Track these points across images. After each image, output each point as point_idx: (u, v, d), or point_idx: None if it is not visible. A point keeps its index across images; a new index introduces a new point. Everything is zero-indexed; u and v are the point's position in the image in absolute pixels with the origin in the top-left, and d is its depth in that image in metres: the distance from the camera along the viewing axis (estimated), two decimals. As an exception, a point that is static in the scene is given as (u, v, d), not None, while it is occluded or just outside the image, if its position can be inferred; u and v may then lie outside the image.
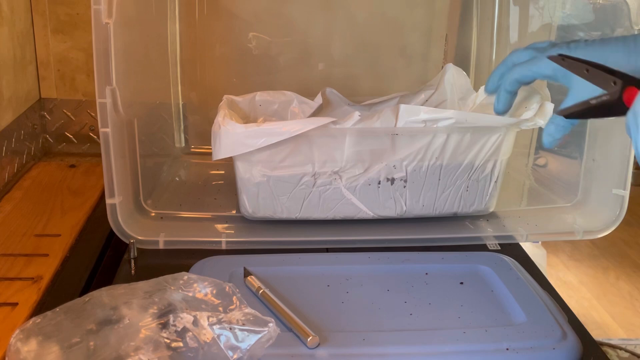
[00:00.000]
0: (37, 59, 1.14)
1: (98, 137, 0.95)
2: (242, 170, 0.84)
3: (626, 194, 0.91)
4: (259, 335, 0.58)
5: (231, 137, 0.80)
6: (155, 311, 0.59)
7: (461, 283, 0.77)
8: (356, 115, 0.81)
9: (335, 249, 0.86)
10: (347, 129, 0.81)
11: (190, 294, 0.62)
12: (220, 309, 0.60)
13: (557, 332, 0.67)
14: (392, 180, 0.86)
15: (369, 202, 0.87)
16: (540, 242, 2.07)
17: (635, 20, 0.86)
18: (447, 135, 0.84)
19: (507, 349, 0.65)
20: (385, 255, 0.83)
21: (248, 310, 0.60)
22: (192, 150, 1.15)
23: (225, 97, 0.91)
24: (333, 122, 0.81)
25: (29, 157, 1.10)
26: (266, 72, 1.15)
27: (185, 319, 0.59)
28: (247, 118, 0.93)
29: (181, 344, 0.57)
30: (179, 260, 0.82)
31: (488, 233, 0.90)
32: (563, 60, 0.66)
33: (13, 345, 0.55)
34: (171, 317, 0.59)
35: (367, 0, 1.17)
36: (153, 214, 0.89)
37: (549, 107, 0.82)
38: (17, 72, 1.05)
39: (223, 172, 1.06)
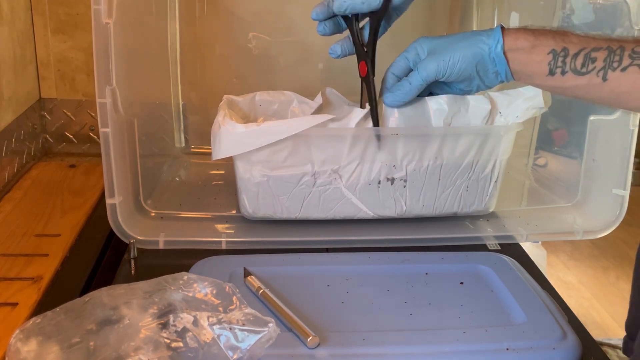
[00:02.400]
0: (37, 59, 1.14)
1: (98, 137, 0.95)
2: (242, 170, 0.84)
3: (626, 194, 0.91)
4: (259, 335, 0.58)
5: (231, 137, 0.80)
6: (155, 311, 0.59)
7: (461, 283, 0.77)
8: (359, 111, 0.81)
9: (335, 249, 0.86)
10: (346, 129, 0.81)
11: (190, 294, 0.62)
12: (220, 309, 0.60)
13: (557, 332, 0.67)
14: (392, 180, 0.86)
15: (369, 202, 0.87)
16: (540, 242, 2.07)
17: (635, 20, 0.86)
18: (446, 135, 0.84)
19: (507, 349, 0.65)
20: (385, 255, 0.83)
21: (248, 310, 0.60)
22: (192, 150, 1.15)
23: (225, 97, 0.91)
24: (332, 120, 0.81)
25: (29, 157, 1.10)
26: (266, 72, 1.15)
27: (185, 319, 0.59)
28: (247, 118, 0.93)
29: (181, 344, 0.57)
30: (179, 260, 0.81)
31: (488, 233, 0.90)
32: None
33: (13, 345, 0.55)
34: (171, 317, 0.59)
35: (367, 0, 1.16)
36: (153, 214, 0.89)
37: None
38: (17, 72, 1.05)
39: (223, 172, 1.06)
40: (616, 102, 0.73)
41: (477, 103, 0.85)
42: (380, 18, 0.79)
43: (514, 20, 1.12)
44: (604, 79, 0.69)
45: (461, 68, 0.77)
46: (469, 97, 0.84)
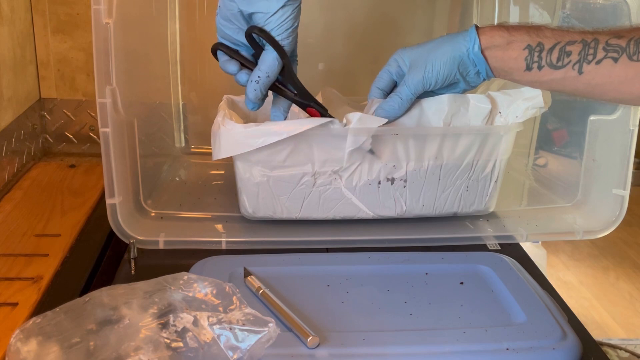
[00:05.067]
0: (37, 59, 1.14)
1: (98, 137, 0.95)
2: (242, 170, 0.84)
3: (626, 194, 0.91)
4: (259, 335, 0.58)
5: (231, 137, 0.80)
6: (155, 311, 0.59)
7: (461, 283, 0.77)
8: (357, 114, 0.81)
9: (335, 249, 0.86)
10: (347, 129, 0.81)
11: (190, 294, 0.62)
12: (220, 309, 0.60)
13: (557, 332, 0.67)
14: (392, 180, 0.86)
15: (369, 202, 0.87)
16: (540, 242, 2.07)
17: (636, 20, 0.86)
18: (446, 135, 0.84)
19: (507, 349, 0.65)
20: (385, 255, 0.83)
21: (248, 310, 0.60)
22: (192, 150, 1.15)
23: (225, 97, 0.91)
24: (332, 122, 0.81)
25: (29, 157, 1.10)
26: (266, 72, 1.15)
27: (185, 319, 0.59)
28: (247, 118, 0.93)
29: (181, 344, 0.57)
30: (179, 260, 0.82)
31: (488, 233, 0.90)
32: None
33: (13, 345, 0.55)
34: (171, 317, 0.59)
35: (367, 0, 1.17)
36: (153, 214, 0.89)
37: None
38: (17, 72, 1.05)
39: (223, 172, 1.06)
40: (592, 94, 0.74)
41: (477, 103, 0.84)
42: (289, 71, 0.79)
43: (513, 21, 1.12)
44: (580, 72, 0.71)
45: (445, 74, 0.79)
46: (469, 96, 0.84)
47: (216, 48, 0.79)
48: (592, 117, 0.93)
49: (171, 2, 1.08)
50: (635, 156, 0.91)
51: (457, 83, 0.81)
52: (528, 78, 0.75)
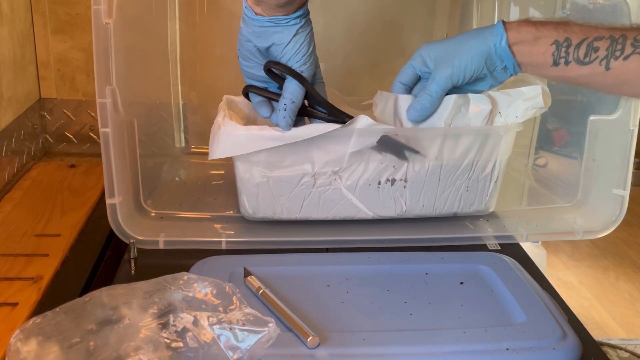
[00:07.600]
0: (37, 59, 1.14)
1: (98, 137, 0.95)
2: (242, 171, 0.84)
3: (626, 194, 0.91)
4: (259, 335, 0.58)
5: (231, 138, 0.80)
6: (155, 311, 0.59)
7: (461, 283, 0.77)
8: (364, 118, 0.81)
9: (335, 249, 0.86)
10: (347, 129, 0.81)
11: (190, 294, 0.62)
12: (220, 309, 0.60)
13: (557, 332, 0.67)
14: (393, 181, 0.86)
15: (369, 202, 0.87)
16: (540, 242, 2.07)
17: (636, 20, 0.86)
18: (446, 135, 0.84)
19: (507, 349, 0.65)
20: (385, 255, 0.83)
21: (248, 310, 0.60)
22: (192, 150, 1.15)
23: (225, 97, 0.91)
24: (337, 130, 0.81)
25: (29, 157, 1.10)
26: (266, 72, 1.15)
27: (185, 319, 0.59)
28: (246, 118, 0.93)
29: (181, 344, 0.57)
30: (179, 260, 0.81)
31: (488, 233, 0.90)
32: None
33: (13, 345, 0.55)
34: (171, 317, 0.59)
35: (367, 0, 1.17)
36: (153, 214, 0.89)
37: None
38: (17, 72, 1.05)
39: (223, 172, 1.06)
40: (620, 89, 0.74)
41: (477, 103, 0.84)
42: (313, 95, 0.81)
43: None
44: (607, 67, 0.70)
45: (472, 69, 0.78)
46: (469, 96, 0.84)
47: (246, 91, 0.83)
48: (592, 117, 0.93)
49: (171, 2, 1.08)
50: (635, 156, 0.91)
51: (485, 79, 0.80)
52: (555, 73, 0.75)
